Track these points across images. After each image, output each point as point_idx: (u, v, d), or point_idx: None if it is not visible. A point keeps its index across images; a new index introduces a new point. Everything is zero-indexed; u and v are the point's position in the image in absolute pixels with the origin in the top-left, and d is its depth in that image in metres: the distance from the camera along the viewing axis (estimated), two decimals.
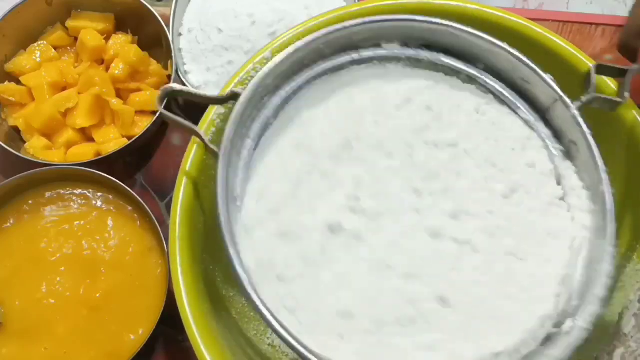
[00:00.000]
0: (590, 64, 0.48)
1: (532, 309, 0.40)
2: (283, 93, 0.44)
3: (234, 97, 0.41)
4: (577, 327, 0.38)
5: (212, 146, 0.41)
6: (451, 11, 0.50)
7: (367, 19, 0.44)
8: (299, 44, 0.43)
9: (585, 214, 0.43)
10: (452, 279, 0.41)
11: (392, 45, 0.47)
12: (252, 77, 0.49)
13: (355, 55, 0.46)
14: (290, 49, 0.42)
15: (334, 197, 0.42)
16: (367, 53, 0.46)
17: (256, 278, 0.38)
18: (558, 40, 0.49)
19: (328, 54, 0.45)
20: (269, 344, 0.50)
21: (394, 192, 0.42)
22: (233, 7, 0.61)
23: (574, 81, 0.46)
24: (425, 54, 0.47)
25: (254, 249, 0.39)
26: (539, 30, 0.50)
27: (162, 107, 0.41)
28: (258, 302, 0.36)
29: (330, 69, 0.46)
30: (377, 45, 0.47)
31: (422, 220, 0.42)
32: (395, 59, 0.47)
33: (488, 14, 0.50)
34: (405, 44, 0.47)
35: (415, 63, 0.47)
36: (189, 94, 0.42)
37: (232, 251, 0.37)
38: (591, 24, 0.70)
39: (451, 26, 0.45)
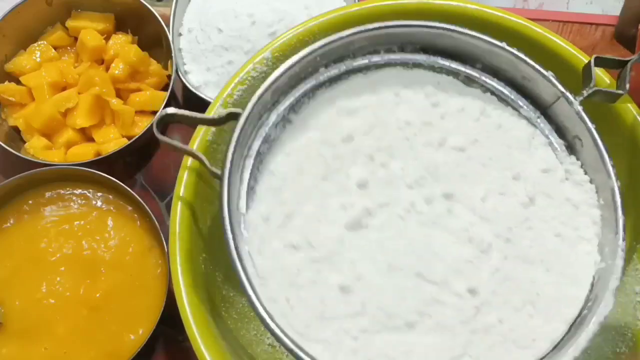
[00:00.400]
0: (586, 59, 0.48)
1: (554, 318, 0.41)
2: (281, 108, 0.44)
3: (232, 117, 0.41)
4: (590, 326, 0.39)
5: (213, 169, 0.40)
6: (451, 11, 0.50)
7: (363, 28, 0.44)
8: (295, 58, 0.42)
9: (594, 209, 0.44)
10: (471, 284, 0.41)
11: (389, 51, 0.47)
12: (252, 77, 0.49)
13: (350, 64, 0.46)
14: (287, 64, 0.42)
15: (343, 202, 0.42)
16: (362, 61, 0.46)
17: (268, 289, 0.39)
18: (558, 40, 0.49)
19: (324, 64, 0.45)
20: (269, 344, 0.50)
21: (402, 198, 0.42)
22: (233, 7, 0.61)
23: (573, 81, 0.46)
24: (422, 58, 0.47)
25: (264, 264, 0.40)
26: (539, 30, 0.50)
27: (157, 127, 0.41)
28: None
29: (327, 81, 0.45)
30: (374, 52, 0.46)
31: (427, 223, 0.42)
32: (392, 65, 0.47)
33: (488, 14, 0.50)
34: (402, 49, 0.47)
35: (413, 67, 0.47)
36: (186, 117, 0.42)
37: (243, 276, 0.38)
38: (591, 24, 0.70)
39: (450, 29, 0.45)
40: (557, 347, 0.40)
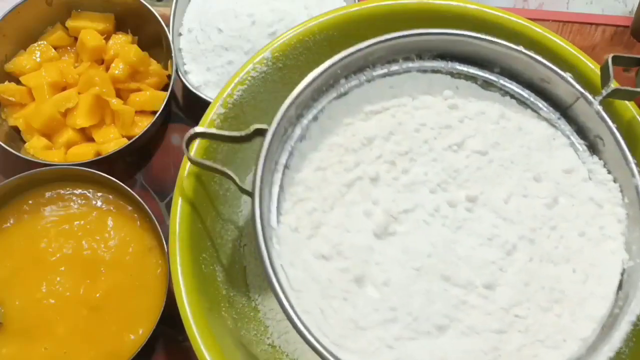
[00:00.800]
0: (592, 67, 0.48)
1: (582, 318, 0.41)
2: (305, 121, 0.44)
3: (258, 133, 0.41)
4: (623, 325, 0.39)
5: (244, 186, 0.41)
6: (451, 11, 0.50)
7: (382, 38, 0.43)
8: (317, 71, 0.42)
9: (618, 208, 0.44)
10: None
11: (408, 60, 0.46)
12: (252, 77, 0.49)
13: (370, 74, 0.46)
14: (309, 78, 0.42)
15: (370, 210, 0.42)
16: (381, 70, 0.46)
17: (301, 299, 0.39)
18: (558, 40, 0.49)
19: (344, 75, 0.45)
20: (269, 344, 0.50)
21: (426, 203, 0.42)
22: (233, 7, 0.61)
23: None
24: (440, 64, 0.47)
25: (296, 277, 0.40)
26: (539, 30, 0.50)
27: (186, 147, 0.42)
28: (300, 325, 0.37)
29: (345, 91, 0.45)
30: (393, 61, 0.46)
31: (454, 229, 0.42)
32: (410, 72, 0.47)
33: (488, 14, 0.50)
34: (420, 56, 0.46)
35: (431, 73, 0.47)
36: (213, 135, 0.42)
37: (279, 291, 0.37)
38: (591, 24, 0.70)
39: (468, 35, 0.44)
40: (590, 347, 0.40)
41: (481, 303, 0.40)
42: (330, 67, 0.42)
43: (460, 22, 0.50)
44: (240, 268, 0.52)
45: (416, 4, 0.51)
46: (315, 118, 0.44)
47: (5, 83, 0.62)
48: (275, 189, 0.41)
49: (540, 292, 0.41)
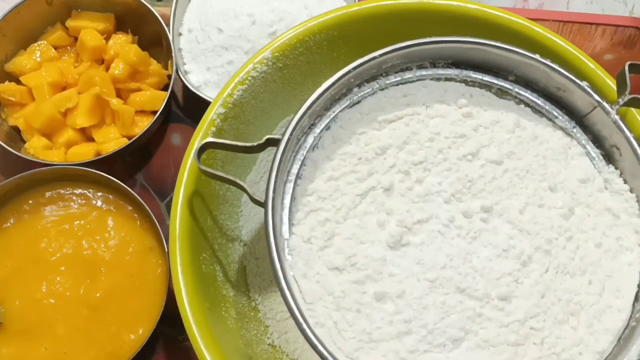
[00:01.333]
0: (593, 66, 0.48)
1: (599, 330, 0.41)
2: (317, 130, 0.43)
3: (271, 143, 0.41)
4: None
5: (256, 197, 0.40)
6: (451, 11, 0.50)
7: (396, 46, 0.43)
8: (330, 81, 0.42)
9: (635, 218, 0.43)
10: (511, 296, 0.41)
11: (421, 67, 0.46)
12: (252, 77, 0.49)
13: (383, 83, 0.45)
14: (322, 88, 0.42)
15: (385, 223, 0.42)
16: (395, 79, 0.46)
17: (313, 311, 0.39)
18: (558, 40, 0.49)
19: (357, 84, 0.45)
20: (269, 344, 0.50)
21: (441, 214, 0.42)
22: (233, 7, 0.61)
23: None
24: (454, 72, 0.46)
25: (309, 288, 0.40)
26: (539, 30, 0.50)
27: (198, 158, 0.41)
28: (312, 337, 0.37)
29: (358, 100, 0.45)
30: (406, 69, 0.46)
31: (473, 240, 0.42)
32: (424, 80, 0.46)
33: (489, 14, 0.50)
34: (434, 64, 0.46)
35: (445, 81, 0.46)
36: (224, 144, 0.42)
37: (288, 294, 0.37)
38: (591, 24, 0.70)
39: (483, 43, 0.44)
40: None
41: (497, 315, 0.40)
42: (343, 75, 0.42)
43: (461, 22, 0.50)
44: (240, 268, 0.52)
45: (416, 4, 0.51)
46: (327, 127, 0.44)
47: (5, 83, 0.62)
48: (287, 199, 0.41)
49: (556, 304, 0.41)
